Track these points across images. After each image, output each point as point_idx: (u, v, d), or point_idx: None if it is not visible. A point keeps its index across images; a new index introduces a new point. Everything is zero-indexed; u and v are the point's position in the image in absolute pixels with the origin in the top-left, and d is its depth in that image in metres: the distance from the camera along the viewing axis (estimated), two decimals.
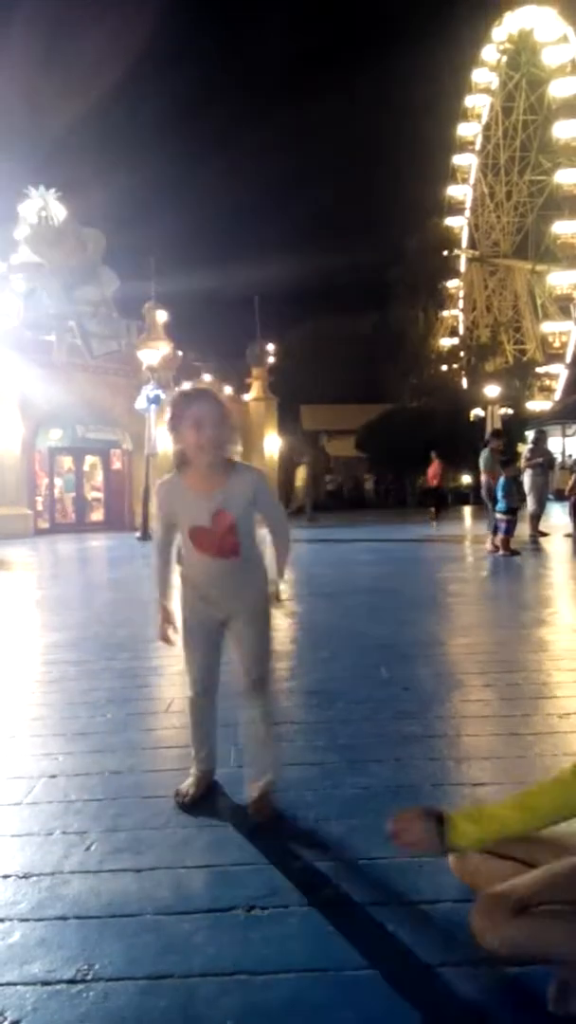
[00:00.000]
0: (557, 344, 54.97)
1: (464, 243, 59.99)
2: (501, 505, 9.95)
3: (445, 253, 57.11)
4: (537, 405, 47.35)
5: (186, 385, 2.36)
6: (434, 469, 19.48)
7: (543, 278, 55.48)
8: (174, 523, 2.36)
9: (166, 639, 2.45)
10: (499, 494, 10.07)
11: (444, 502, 19.93)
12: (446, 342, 55.32)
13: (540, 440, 12.72)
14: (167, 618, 2.45)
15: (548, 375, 52.91)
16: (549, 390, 52.12)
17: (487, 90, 58.96)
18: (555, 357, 54.21)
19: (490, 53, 58.07)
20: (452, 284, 58.50)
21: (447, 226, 58.80)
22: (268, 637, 2.46)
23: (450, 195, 59.52)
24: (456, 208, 59.89)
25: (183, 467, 2.30)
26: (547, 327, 55.64)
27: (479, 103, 59.40)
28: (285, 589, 2.56)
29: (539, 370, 53.43)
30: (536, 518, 11.95)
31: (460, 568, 9.70)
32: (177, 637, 2.47)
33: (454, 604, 6.51)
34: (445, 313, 57.51)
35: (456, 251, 58.72)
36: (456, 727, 3.09)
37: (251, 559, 2.38)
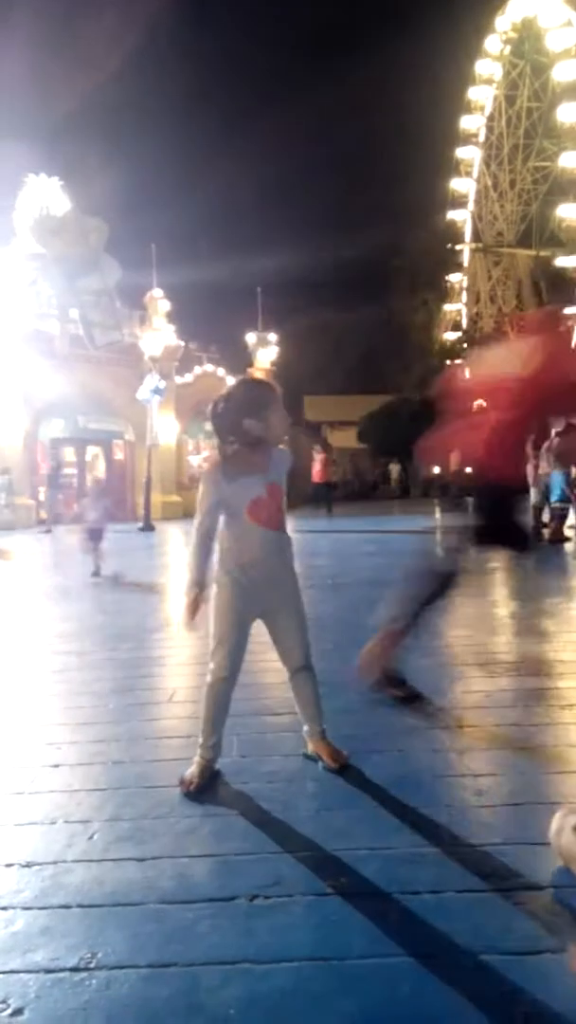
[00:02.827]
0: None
1: (468, 235, 59.71)
2: (555, 496, 10.92)
3: (449, 246, 56.93)
4: None
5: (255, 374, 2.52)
6: (318, 464, 19.03)
7: (547, 268, 55.25)
8: (222, 507, 2.45)
9: (191, 625, 2.47)
10: (554, 486, 10.95)
11: (324, 496, 19.33)
12: (450, 336, 55.12)
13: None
14: (196, 604, 2.46)
15: None
16: None
17: (490, 81, 58.54)
18: None
19: (493, 44, 57.65)
20: (455, 278, 58.29)
21: (450, 220, 58.56)
22: (305, 621, 2.60)
23: (453, 188, 59.20)
24: (459, 201, 59.57)
25: (230, 451, 2.43)
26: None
27: (482, 95, 58.99)
28: None
29: None
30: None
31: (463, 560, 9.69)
32: (208, 619, 2.50)
33: (456, 596, 6.49)
34: (448, 307, 57.34)
35: (459, 245, 58.54)
36: (458, 718, 3.10)
37: (288, 538, 2.55)
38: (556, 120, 54.20)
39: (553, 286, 54.25)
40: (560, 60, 53.22)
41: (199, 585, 2.48)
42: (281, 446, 2.57)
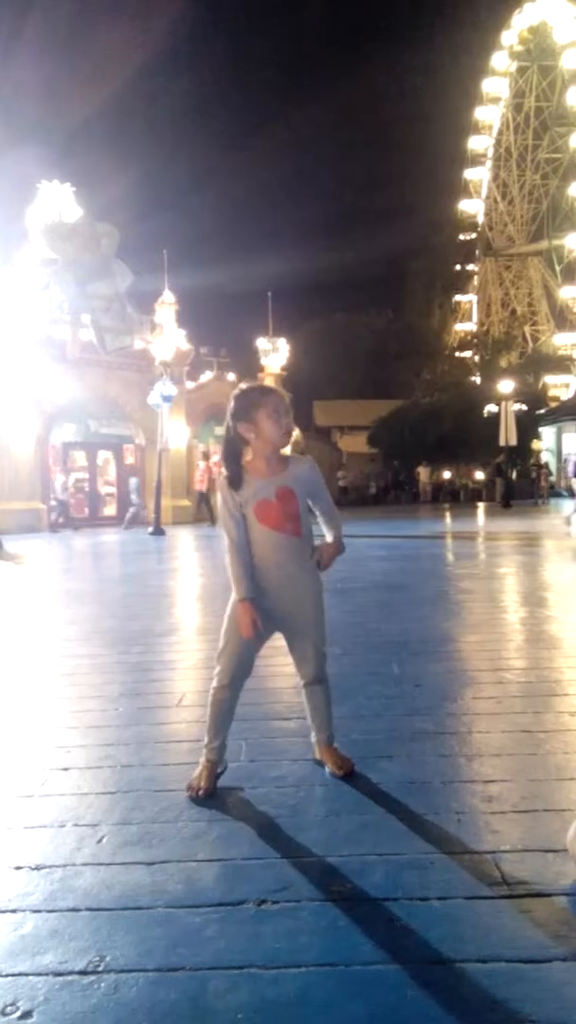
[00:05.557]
0: None
1: (478, 251, 59.94)
2: None
3: (458, 267, 57.23)
4: (556, 379, 47.33)
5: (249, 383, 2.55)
6: (203, 473, 18.77)
7: (560, 252, 55.40)
8: (238, 514, 2.42)
9: (250, 633, 2.40)
10: None
11: (205, 504, 18.56)
12: (460, 354, 54.96)
13: None
14: (251, 612, 2.39)
15: (565, 363, 52.28)
16: (569, 360, 51.69)
17: (496, 100, 59.01)
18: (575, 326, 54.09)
19: (500, 60, 58.04)
20: (465, 299, 58.55)
21: (460, 239, 58.73)
22: (324, 632, 2.56)
23: (462, 209, 59.55)
24: (469, 224, 59.83)
25: (239, 460, 2.43)
26: (565, 292, 55.36)
27: (489, 115, 59.36)
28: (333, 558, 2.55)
29: (558, 339, 53.31)
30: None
31: (472, 565, 9.67)
32: (223, 625, 2.49)
33: (466, 601, 6.48)
34: (459, 327, 57.44)
35: (469, 266, 58.86)
36: (467, 724, 3.09)
37: (309, 546, 2.49)
38: (566, 105, 54.66)
39: (566, 273, 54.28)
40: (568, 49, 53.60)
41: (248, 596, 2.40)
42: (299, 454, 2.56)
